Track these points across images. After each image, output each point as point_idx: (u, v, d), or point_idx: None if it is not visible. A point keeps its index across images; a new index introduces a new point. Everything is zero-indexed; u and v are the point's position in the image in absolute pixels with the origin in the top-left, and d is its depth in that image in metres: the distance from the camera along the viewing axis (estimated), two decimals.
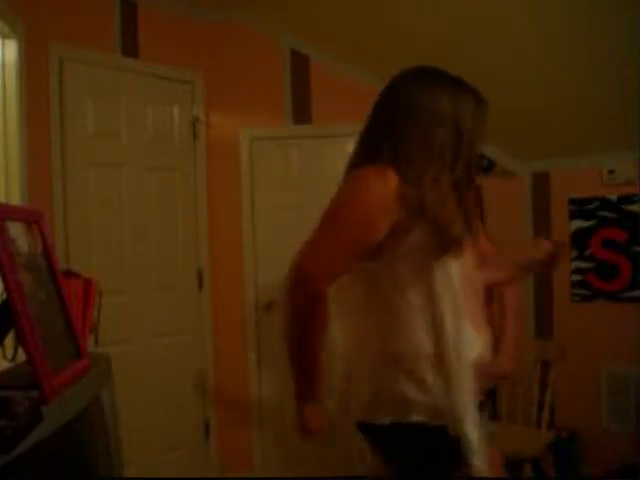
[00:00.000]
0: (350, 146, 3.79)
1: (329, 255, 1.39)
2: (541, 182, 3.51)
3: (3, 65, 2.61)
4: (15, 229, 1.24)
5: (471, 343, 1.42)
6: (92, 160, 3.11)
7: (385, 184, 1.38)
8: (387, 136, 1.46)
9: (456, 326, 1.40)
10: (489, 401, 1.73)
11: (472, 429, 1.38)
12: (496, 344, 1.88)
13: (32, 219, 1.37)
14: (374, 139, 1.50)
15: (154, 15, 3.40)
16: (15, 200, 2.55)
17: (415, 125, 1.45)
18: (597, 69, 2.85)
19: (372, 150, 1.48)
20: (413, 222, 1.38)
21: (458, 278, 1.43)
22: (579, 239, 3.35)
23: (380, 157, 1.43)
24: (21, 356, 1.26)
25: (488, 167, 3.55)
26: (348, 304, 1.52)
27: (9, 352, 1.31)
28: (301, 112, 3.65)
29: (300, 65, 3.65)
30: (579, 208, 3.34)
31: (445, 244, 1.40)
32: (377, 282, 1.46)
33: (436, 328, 1.41)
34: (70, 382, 1.25)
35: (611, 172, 3.25)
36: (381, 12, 3.08)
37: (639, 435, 3.16)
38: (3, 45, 2.61)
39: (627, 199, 3.21)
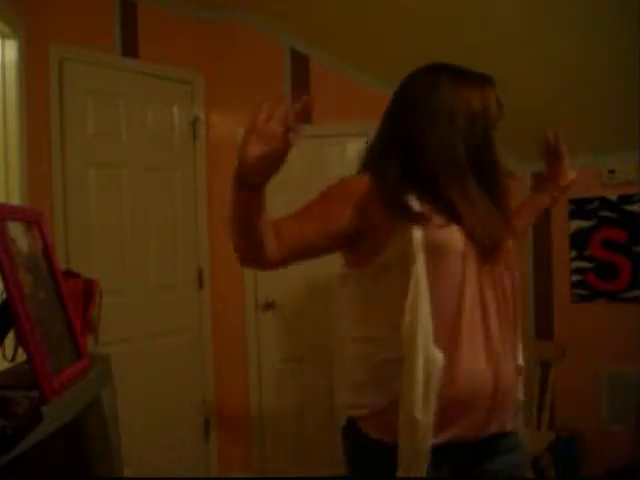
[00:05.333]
0: (350, 146, 3.82)
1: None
2: None
3: (3, 65, 2.60)
4: (15, 229, 1.24)
5: None
6: (92, 160, 3.11)
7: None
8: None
9: None
10: None
11: None
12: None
13: (32, 219, 1.37)
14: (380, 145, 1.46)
15: (154, 15, 3.40)
16: (15, 200, 2.55)
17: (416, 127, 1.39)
18: (597, 69, 2.85)
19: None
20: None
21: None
22: (579, 239, 3.35)
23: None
24: (21, 356, 1.26)
25: None
26: None
27: (9, 352, 1.31)
28: (301, 112, 3.64)
29: (300, 65, 3.65)
30: (579, 208, 3.34)
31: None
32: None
33: None
34: (70, 382, 1.25)
35: (611, 172, 3.25)
36: (381, 12, 3.07)
37: (639, 435, 3.16)
38: (3, 45, 2.61)
39: (627, 199, 3.21)
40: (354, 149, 3.60)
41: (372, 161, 1.45)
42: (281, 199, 3.63)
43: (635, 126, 2.91)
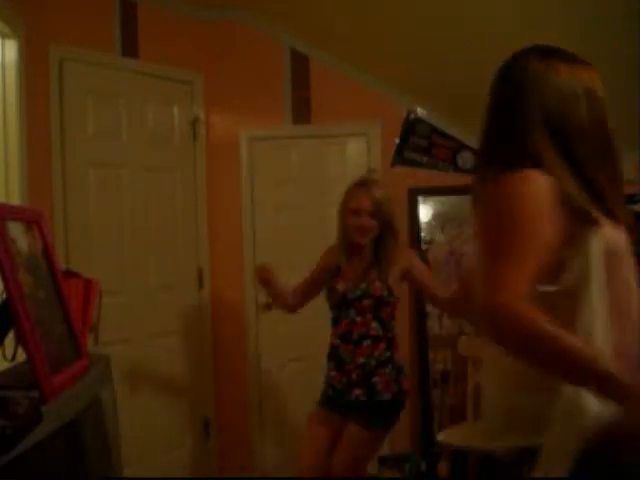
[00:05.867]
0: (350, 146, 3.83)
1: (517, 272, 1.08)
2: None
3: (3, 65, 2.61)
4: (15, 229, 1.24)
5: None
6: (92, 160, 3.11)
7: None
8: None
9: None
10: None
11: None
12: None
13: (32, 219, 1.37)
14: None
15: (154, 15, 3.39)
16: (15, 200, 2.55)
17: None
18: (597, 69, 2.85)
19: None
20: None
21: None
22: None
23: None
24: (21, 356, 1.26)
25: None
26: None
27: (9, 352, 1.31)
28: (301, 112, 3.65)
29: (300, 65, 3.65)
30: None
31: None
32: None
33: None
34: (70, 382, 1.25)
35: None
36: (381, 12, 3.08)
37: None
38: (3, 45, 2.61)
39: (627, 199, 3.21)
40: (354, 149, 3.61)
41: (519, 158, 1.20)
42: (281, 199, 3.66)
43: (635, 126, 2.91)
